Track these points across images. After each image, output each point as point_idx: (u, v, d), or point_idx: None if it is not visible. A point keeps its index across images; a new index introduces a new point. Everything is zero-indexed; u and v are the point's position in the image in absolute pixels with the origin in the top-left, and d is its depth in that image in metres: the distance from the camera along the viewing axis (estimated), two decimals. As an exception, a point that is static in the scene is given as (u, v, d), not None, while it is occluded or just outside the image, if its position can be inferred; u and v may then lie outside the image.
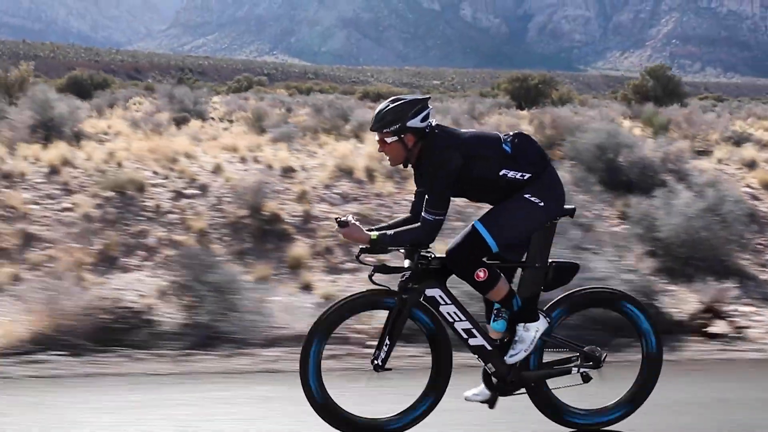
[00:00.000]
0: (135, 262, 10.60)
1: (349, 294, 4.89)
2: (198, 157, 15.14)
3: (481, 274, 4.56)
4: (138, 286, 9.27)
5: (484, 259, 4.70)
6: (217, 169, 13.82)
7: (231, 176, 13.33)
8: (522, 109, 37.59)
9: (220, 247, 10.84)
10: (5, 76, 32.81)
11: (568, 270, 4.83)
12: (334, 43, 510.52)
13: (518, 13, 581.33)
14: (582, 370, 4.85)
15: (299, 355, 4.61)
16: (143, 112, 33.08)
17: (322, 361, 4.68)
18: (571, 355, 4.93)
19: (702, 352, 7.46)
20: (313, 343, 4.56)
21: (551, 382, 4.88)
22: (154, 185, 12.99)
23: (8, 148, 14.69)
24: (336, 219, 4.69)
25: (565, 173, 12.99)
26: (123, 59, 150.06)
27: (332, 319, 4.65)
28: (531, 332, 4.69)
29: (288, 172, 14.03)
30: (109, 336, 6.62)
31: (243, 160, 15.52)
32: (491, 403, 4.84)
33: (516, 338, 4.71)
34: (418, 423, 4.77)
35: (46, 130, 16.98)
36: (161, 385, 6.24)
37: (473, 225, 4.63)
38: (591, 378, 4.85)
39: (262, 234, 11.41)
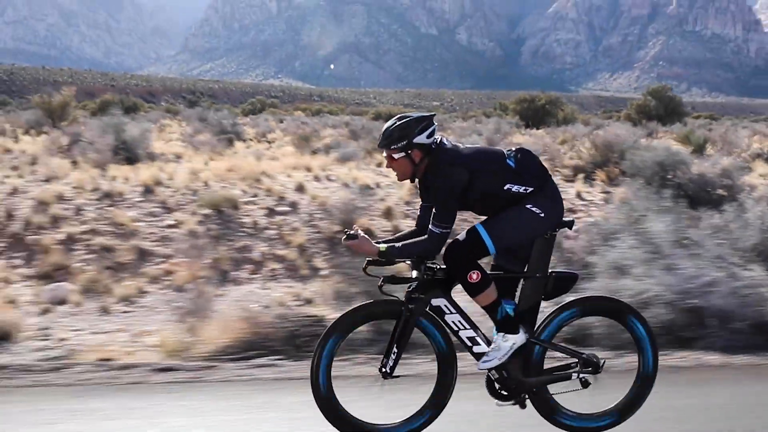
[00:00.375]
0: (245, 275, 10.91)
1: (363, 303, 4.90)
2: (275, 176, 15.50)
3: (474, 276, 4.55)
4: (257, 297, 9.36)
5: (488, 272, 4.73)
6: (300, 188, 14.19)
7: (316, 194, 13.76)
8: (528, 127, 37.92)
9: (322, 260, 11.15)
10: (49, 101, 33.33)
11: (568, 280, 4.84)
12: (336, 66, 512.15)
13: (512, 37, 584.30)
14: (581, 376, 4.82)
15: (314, 349, 4.60)
16: (182, 134, 33.20)
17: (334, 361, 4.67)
18: (571, 361, 4.91)
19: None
20: (329, 341, 4.54)
21: (552, 387, 4.86)
22: (246, 203, 13.36)
23: (99, 170, 15.08)
24: (344, 231, 4.66)
25: (626, 189, 13.31)
26: (137, 83, 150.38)
27: (348, 322, 4.66)
28: (508, 343, 4.66)
29: (367, 189, 14.39)
30: (302, 342, 6.83)
31: (317, 178, 15.85)
32: (521, 404, 4.82)
33: (493, 346, 4.69)
34: None
35: (125, 151, 17.36)
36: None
37: (474, 227, 4.63)
38: (590, 384, 4.81)
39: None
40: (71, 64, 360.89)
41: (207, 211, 12.87)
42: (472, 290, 4.59)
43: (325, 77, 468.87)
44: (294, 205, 13.37)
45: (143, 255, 11.24)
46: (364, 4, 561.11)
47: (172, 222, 12.43)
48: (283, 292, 9.77)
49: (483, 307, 4.69)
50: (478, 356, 4.68)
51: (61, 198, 13.23)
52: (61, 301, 9.60)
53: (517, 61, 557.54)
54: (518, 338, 4.67)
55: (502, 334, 4.66)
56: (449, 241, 4.62)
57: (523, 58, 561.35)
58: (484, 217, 4.75)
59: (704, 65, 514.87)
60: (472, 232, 4.59)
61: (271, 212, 13.19)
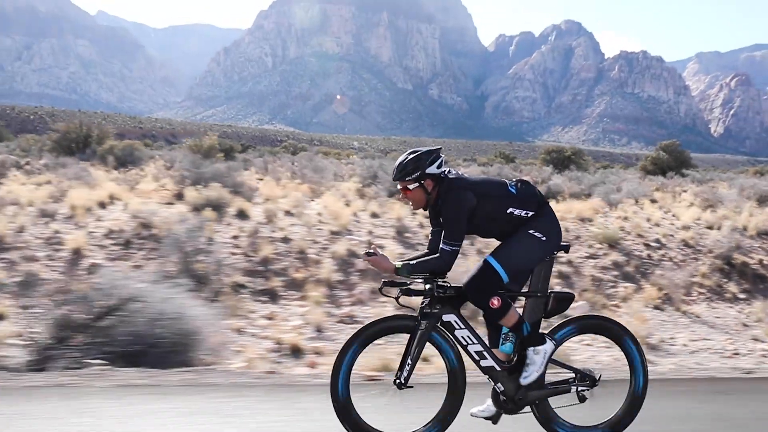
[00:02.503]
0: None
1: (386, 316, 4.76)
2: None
3: (495, 302, 4.48)
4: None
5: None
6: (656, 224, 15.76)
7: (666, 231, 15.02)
8: (560, 172, 37.33)
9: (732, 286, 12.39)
10: (201, 144, 31.47)
11: (566, 300, 4.70)
12: (323, 115, 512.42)
13: (477, 93, 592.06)
14: (580, 389, 4.68)
15: (335, 357, 4.49)
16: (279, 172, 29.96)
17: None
18: (569, 376, 4.77)
19: None
20: (351, 349, 4.44)
21: (553, 401, 4.71)
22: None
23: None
24: (364, 252, 4.58)
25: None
26: (162, 126, 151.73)
27: (367, 334, 4.51)
28: (540, 354, 4.57)
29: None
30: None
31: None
32: (495, 419, 4.70)
33: (528, 361, 4.58)
34: None
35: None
36: None
37: (486, 260, 4.54)
38: (586, 398, 4.68)
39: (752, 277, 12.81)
40: (90, 107, 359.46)
41: (601, 245, 13.65)
42: (497, 315, 4.53)
43: (314, 124, 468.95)
44: (658, 241, 14.38)
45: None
46: (349, 62, 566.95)
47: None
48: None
49: (510, 328, 4.61)
50: (484, 369, 4.57)
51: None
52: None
53: (481, 114, 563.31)
54: (548, 347, 4.59)
55: (532, 348, 4.58)
56: (466, 279, 4.54)
57: (486, 112, 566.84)
58: (489, 240, 4.71)
59: (641, 122, 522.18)
60: (485, 264, 4.52)
61: (648, 246, 14.06)
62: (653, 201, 21.71)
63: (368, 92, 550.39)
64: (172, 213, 13.14)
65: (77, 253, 10.95)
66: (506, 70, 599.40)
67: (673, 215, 17.86)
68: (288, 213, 14.17)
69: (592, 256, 13.19)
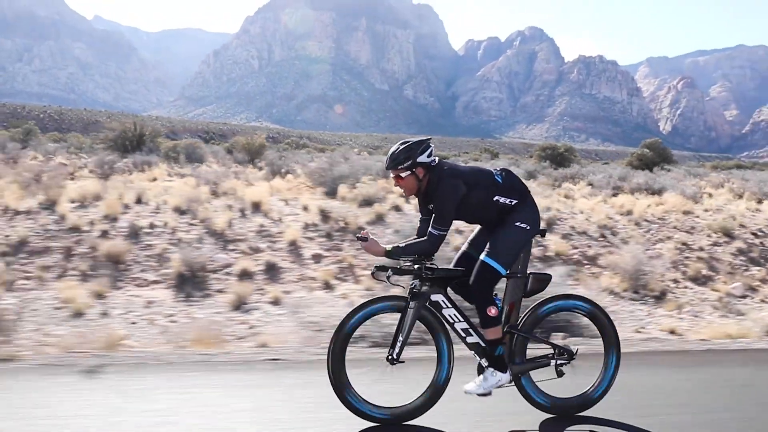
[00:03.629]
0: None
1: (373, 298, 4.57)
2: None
3: (493, 311, 4.41)
4: None
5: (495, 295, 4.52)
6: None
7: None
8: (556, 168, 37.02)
9: None
10: (252, 142, 31.66)
11: (544, 280, 4.61)
12: (306, 114, 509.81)
13: (448, 94, 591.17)
14: (558, 362, 4.61)
15: (330, 338, 4.40)
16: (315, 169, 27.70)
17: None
18: (548, 351, 4.68)
19: None
20: (347, 325, 4.38)
21: (534, 374, 4.63)
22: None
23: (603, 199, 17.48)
24: (356, 235, 4.54)
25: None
26: (163, 124, 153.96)
27: (364, 313, 4.44)
28: (495, 378, 4.46)
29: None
30: None
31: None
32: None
33: (483, 376, 4.49)
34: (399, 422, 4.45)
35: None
36: None
37: (483, 261, 4.44)
38: (564, 373, 4.60)
39: None
40: (88, 106, 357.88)
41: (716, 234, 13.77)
42: (487, 323, 4.43)
43: (297, 122, 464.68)
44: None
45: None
46: (330, 64, 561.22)
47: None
48: None
49: (487, 341, 4.47)
50: (470, 345, 4.51)
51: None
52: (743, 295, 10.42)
53: (452, 113, 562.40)
54: (504, 377, 4.48)
55: (492, 369, 4.47)
56: (471, 282, 4.46)
57: (456, 111, 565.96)
58: (485, 250, 4.51)
59: (598, 121, 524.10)
60: (483, 265, 4.44)
61: (756, 235, 14.14)
62: (710, 195, 22.01)
63: (348, 92, 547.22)
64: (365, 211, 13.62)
65: (293, 244, 11.29)
66: (475, 72, 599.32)
67: (757, 209, 18.13)
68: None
69: (715, 244, 13.31)
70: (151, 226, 11.71)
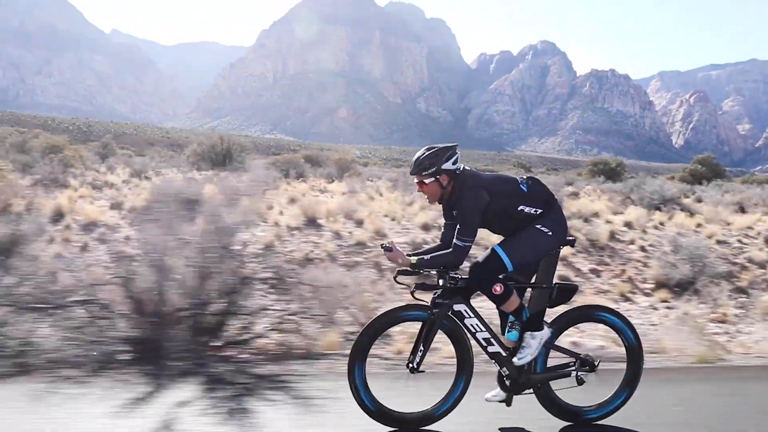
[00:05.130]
0: None
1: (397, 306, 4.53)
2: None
3: (498, 288, 4.36)
4: None
5: (501, 277, 4.46)
6: None
7: None
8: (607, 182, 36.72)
9: None
10: (343, 158, 31.76)
11: (570, 291, 4.56)
12: (320, 126, 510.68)
13: (461, 106, 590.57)
14: (579, 373, 4.55)
15: (354, 340, 4.40)
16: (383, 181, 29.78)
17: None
18: (569, 361, 4.64)
19: None
20: (368, 334, 4.37)
21: (554, 384, 4.59)
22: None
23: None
24: (381, 245, 4.43)
25: None
26: (187, 136, 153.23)
27: (383, 322, 4.43)
28: (536, 340, 4.45)
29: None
30: None
31: None
32: (508, 402, 4.59)
33: (524, 344, 4.47)
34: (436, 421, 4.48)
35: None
36: None
37: (493, 249, 4.39)
38: (584, 381, 4.55)
39: None
40: (105, 118, 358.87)
41: None
42: (498, 300, 4.43)
43: (312, 134, 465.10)
44: None
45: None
46: (344, 77, 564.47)
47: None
48: None
49: (510, 313, 4.51)
50: (491, 355, 4.49)
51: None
52: None
53: (465, 125, 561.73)
54: (544, 333, 4.49)
55: (530, 332, 4.48)
56: (473, 262, 4.45)
57: (469, 124, 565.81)
58: (499, 238, 4.53)
59: (611, 134, 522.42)
60: (492, 252, 4.38)
61: None
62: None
63: (362, 105, 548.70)
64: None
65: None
66: (487, 85, 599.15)
67: None
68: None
69: None
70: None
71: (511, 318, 4.59)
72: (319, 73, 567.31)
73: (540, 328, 4.50)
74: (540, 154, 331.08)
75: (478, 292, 4.55)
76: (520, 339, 4.53)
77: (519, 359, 4.46)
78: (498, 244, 4.43)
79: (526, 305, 4.58)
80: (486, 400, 4.65)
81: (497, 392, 4.64)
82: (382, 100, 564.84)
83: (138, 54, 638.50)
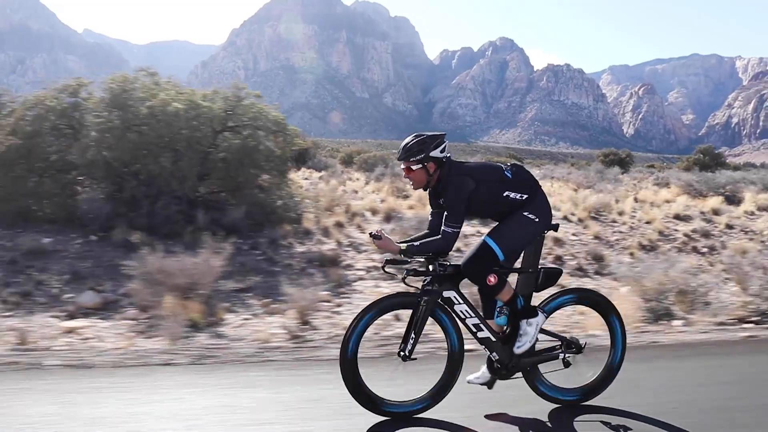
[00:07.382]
0: None
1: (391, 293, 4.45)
2: None
3: (492, 279, 4.30)
4: None
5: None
6: None
7: None
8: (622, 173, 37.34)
9: None
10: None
11: (555, 275, 4.51)
12: (291, 120, 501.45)
13: (425, 101, 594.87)
14: (566, 356, 4.55)
15: (349, 325, 4.26)
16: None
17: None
18: (556, 344, 4.61)
19: None
20: (363, 320, 4.25)
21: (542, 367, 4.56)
22: None
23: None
24: (370, 233, 4.31)
25: None
26: None
27: (378, 308, 4.31)
28: (533, 326, 4.41)
29: None
30: None
31: None
32: (490, 385, 4.58)
33: (521, 332, 4.41)
34: (409, 416, 4.35)
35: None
36: None
37: (483, 240, 4.35)
38: (571, 364, 4.56)
39: None
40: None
41: None
42: (493, 291, 4.37)
43: None
44: None
45: None
46: (312, 74, 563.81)
47: None
48: None
49: (504, 303, 4.44)
50: (481, 340, 4.43)
51: None
52: None
53: (429, 119, 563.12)
54: (539, 319, 4.45)
55: (525, 320, 4.43)
56: (464, 259, 4.36)
57: (434, 117, 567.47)
58: (489, 230, 4.43)
59: (567, 125, 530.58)
60: (483, 244, 4.33)
61: None
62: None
63: (330, 100, 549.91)
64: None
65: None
66: (450, 80, 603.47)
67: None
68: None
69: None
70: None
71: (500, 303, 4.54)
72: (288, 70, 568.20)
73: (535, 314, 4.49)
74: (503, 144, 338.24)
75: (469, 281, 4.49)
76: (514, 327, 4.52)
77: (518, 348, 4.45)
78: (487, 235, 4.41)
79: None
80: (468, 382, 4.63)
81: (480, 374, 4.67)
82: (350, 96, 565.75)
83: (111, 53, 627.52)
